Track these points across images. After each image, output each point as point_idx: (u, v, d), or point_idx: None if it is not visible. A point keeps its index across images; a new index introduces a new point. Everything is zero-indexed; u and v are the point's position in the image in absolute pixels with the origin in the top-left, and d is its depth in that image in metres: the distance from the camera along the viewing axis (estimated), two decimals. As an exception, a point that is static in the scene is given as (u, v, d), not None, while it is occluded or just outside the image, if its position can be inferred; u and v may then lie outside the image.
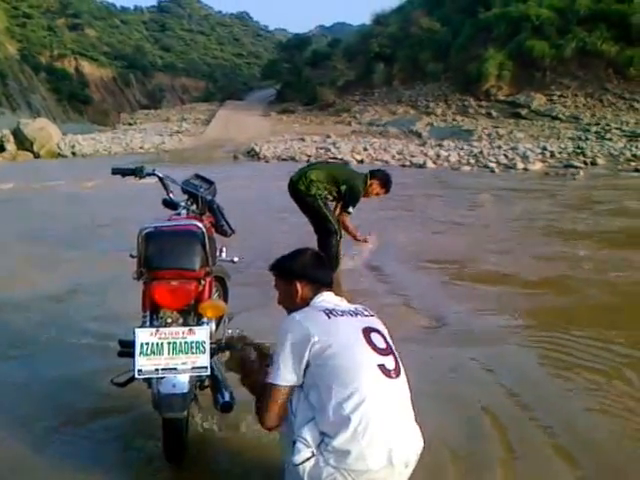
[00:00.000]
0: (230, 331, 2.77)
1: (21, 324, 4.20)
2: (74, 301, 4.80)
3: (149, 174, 3.13)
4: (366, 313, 2.16)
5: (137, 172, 3.12)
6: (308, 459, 1.88)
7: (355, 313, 2.12)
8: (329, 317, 2.05)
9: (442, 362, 3.52)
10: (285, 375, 1.98)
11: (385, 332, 2.14)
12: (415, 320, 4.27)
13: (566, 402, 3.01)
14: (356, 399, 1.88)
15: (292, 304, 2.22)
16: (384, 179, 5.45)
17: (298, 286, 2.21)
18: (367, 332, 2.05)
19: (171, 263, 2.38)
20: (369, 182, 5.35)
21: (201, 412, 2.67)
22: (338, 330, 2.01)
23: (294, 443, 1.91)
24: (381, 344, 2.05)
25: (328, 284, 2.26)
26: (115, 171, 3.21)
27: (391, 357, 2.04)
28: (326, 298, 2.19)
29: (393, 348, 2.09)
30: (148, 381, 2.30)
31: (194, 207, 3.05)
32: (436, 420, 2.64)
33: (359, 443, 1.85)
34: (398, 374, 2.02)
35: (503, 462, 2.49)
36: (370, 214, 7.52)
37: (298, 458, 1.88)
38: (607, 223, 7.88)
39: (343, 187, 5.25)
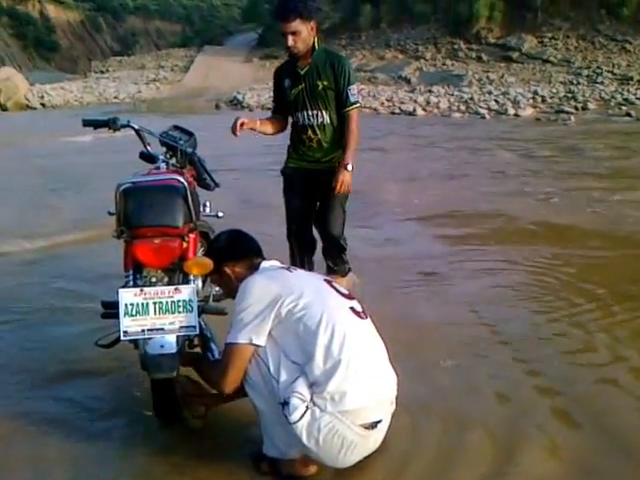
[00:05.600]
0: (217, 288, 2.76)
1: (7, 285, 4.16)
2: (54, 264, 4.75)
3: (124, 126, 2.99)
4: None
5: (110, 123, 2.96)
6: (304, 414, 1.89)
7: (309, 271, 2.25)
8: (291, 271, 2.15)
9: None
10: (248, 333, 1.99)
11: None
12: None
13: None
14: (339, 340, 1.93)
15: (235, 289, 2.19)
16: None
17: (228, 270, 2.23)
18: (328, 281, 2.18)
19: (153, 220, 2.33)
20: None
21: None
22: (305, 281, 2.11)
23: (286, 403, 1.90)
24: (344, 290, 2.17)
25: (259, 253, 2.28)
26: (86, 123, 3.05)
27: (356, 301, 2.14)
28: (272, 263, 2.23)
29: (353, 295, 2.20)
30: (135, 342, 2.29)
31: (174, 160, 2.98)
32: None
33: (352, 381, 1.90)
34: (366, 316, 2.12)
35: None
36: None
37: (296, 415, 1.88)
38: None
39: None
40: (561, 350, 3.06)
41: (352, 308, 2.08)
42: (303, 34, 3.12)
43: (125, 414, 2.58)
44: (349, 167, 3.19)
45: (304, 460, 2.01)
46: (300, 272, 2.18)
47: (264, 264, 2.21)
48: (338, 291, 2.13)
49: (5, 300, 3.91)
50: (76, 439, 2.40)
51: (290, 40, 3.13)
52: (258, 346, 1.99)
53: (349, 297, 2.14)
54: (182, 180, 2.46)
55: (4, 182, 8.13)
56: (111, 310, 2.34)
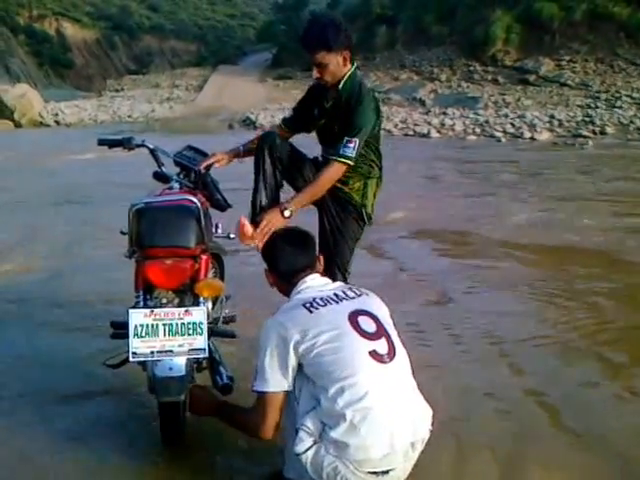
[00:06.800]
0: (227, 311, 2.78)
1: (12, 305, 4.20)
2: (65, 280, 4.79)
3: (138, 145, 3.04)
4: (352, 295, 2.13)
5: (125, 143, 3.02)
6: (310, 448, 1.89)
7: (340, 298, 2.09)
8: (311, 311, 2.01)
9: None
10: (274, 381, 1.98)
11: (377, 310, 2.12)
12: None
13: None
14: (349, 393, 1.87)
15: (278, 289, 2.27)
16: None
17: (269, 275, 2.26)
18: (354, 317, 2.02)
19: (165, 241, 2.36)
20: None
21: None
22: (322, 324, 1.98)
23: (297, 431, 1.92)
24: (370, 328, 2.02)
25: (305, 268, 2.21)
26: (101, 142, 3.11)
27: (383, 340, 2.01)
28: (310, 284, 2.17)
29: (387, 328, 2.07)
30: (143, 364, 2.30)
31: (187, 180, 3.03)
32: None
33: (357, 436, 1.85)
34: (392, 357, 1.99)
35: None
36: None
37: (300, 447, 1.89)
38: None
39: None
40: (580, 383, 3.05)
41: (374, 352, 1.96)
42: (331, 66, 2.70)
43: (132, 434, 2.59)
44: (286, 213, 2.60)
45: None
46: (322, 310, 2.01)
47: (301, 285, 2.16)
48: (362, 331, 1.99)
49: (13, 318, 3.95)
50: (83, 458, 2.44)
51: (315, 72, 2.75)
52: (287, 390, 2.00)
53: (375, 336, 2.01)
54: (195, 201, 2.50)
55: None
56: (120, 330, 2.36)
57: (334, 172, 2.70)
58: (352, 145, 2.67)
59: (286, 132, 3.14)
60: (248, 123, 22.05)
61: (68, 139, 17.58)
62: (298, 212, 2.64)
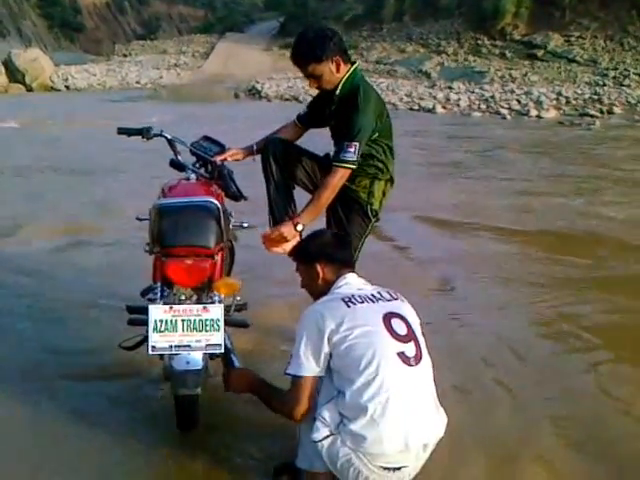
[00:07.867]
0: (239, 298, 2.82)
1: (30, 284, 4.22)
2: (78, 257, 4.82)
3: (156, 135, 3.10)
4: (388, 297, 2.17)
5: (144, 133, 3.08)
6: (326, 437, 1.95)
7: (377, 298, 2.14)
8: (349, 306, 2.07)
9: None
10: (308, 366, 2.03)
11: (409, 315, 2.16)
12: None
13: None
14: (373, 388, 1.93)
15: (315, 287, 2.27)
16: None
17: (318, 268, 2.25)
18: (388, 318, 2.08)
19: (186, 240, 2.40)
20: None
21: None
22: (357, 319, 2.03)
23: (314, 420, 1.98)
24: (402, 330, 2.07)
25: (349, 264, 2.30)
26: (121, 131, 3.17)
27: (412, 344, 2.06)
28: (349, 281, 2.22)
29: (416, 333, 2.11)
30: (160, 355, 2.36)
31: (202, 170, 3.05)
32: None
33: (375, 430, 1.91)
34: (419, 361, 2.05)
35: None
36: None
37: (317, 436, 1.96)
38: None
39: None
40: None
41: (402, 353, 2.01)
42: (325, 75, 2.72)
43: (150, 419, 2.65)
44: (299, 227, 2.66)
45: (327, 476, 2.06)
46: (359, 307, 2.07)
47: (341, 281, 2.22)
48: (394, 332, 2.05)
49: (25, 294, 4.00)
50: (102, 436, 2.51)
51: (311, 83, 2.81)
52: (320, 376, 2.05)
53: (405, 339, 2.06)
54: (215, 202, 2.52)
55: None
56: (136, 315, 2.42)
57: (338, 179, 2.69)
58: (352, 149, 2.66)
59: (300, 128, 3.18)
60: (254, 92, 21.85)
61: (80, 105, 17.47)
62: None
